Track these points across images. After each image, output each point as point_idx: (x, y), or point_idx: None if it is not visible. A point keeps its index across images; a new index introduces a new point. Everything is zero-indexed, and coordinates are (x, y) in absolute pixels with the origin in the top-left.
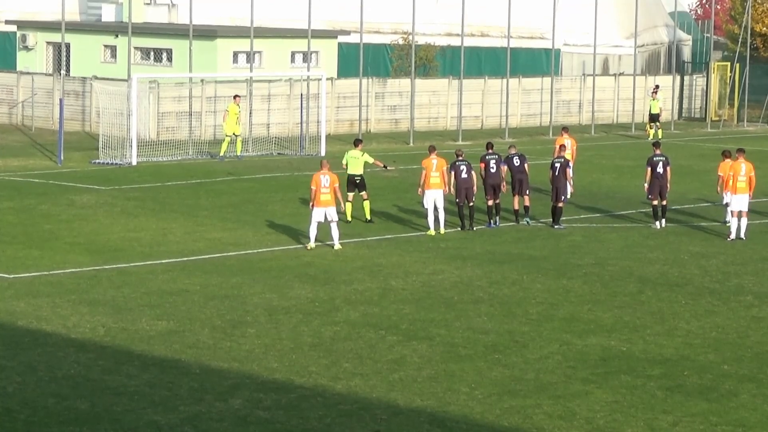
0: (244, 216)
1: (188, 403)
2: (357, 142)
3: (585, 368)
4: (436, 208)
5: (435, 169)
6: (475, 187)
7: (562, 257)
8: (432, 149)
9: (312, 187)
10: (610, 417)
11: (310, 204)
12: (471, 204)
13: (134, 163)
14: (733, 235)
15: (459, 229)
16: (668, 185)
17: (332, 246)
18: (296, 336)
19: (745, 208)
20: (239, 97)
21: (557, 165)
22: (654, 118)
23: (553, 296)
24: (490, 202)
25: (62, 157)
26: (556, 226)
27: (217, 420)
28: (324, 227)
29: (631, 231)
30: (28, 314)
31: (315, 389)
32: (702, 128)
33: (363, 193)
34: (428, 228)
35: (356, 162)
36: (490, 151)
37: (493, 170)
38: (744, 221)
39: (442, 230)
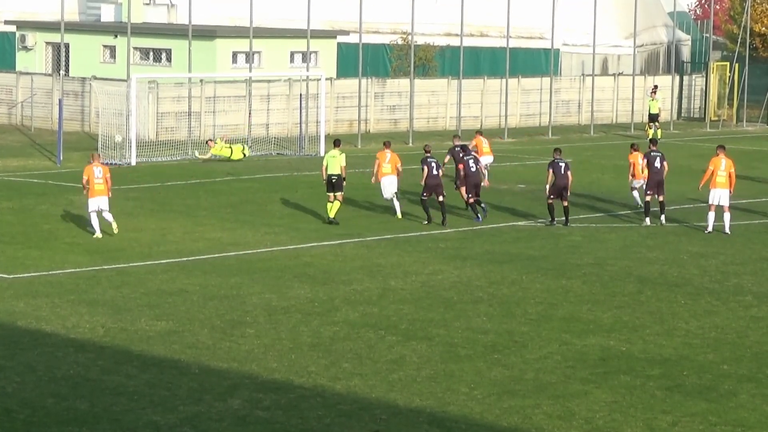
0: (243, 216)
1: (187, 403)
2: (336, 143)
3: (584, 368)
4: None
5: (388, 161)
6: (442, 185)
7: (562, 257)
8: (387, 144)
9: (84, 177)
10: (610, 417)
11: (84, 193)
12: (441, 200)
13: (133, 163)
14: (710, 228)
15: (425, 222)
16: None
17: (111, 233)
18: (295, 336)
19: (725, 203)
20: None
21: (561, 165)
22: (653, 118)
23: (552, 296)
24: (472, 200)
25: (61, 158)
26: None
27: (217, 420)
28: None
29: (630, 231)
30: (27, 314)
31: (314, 389)
32: (701, 128)
33: (338, 194)
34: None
35: (334, 161)
36: (466, 152)
37: (472, 169)
38: (727, 216)
39: (399, 215)
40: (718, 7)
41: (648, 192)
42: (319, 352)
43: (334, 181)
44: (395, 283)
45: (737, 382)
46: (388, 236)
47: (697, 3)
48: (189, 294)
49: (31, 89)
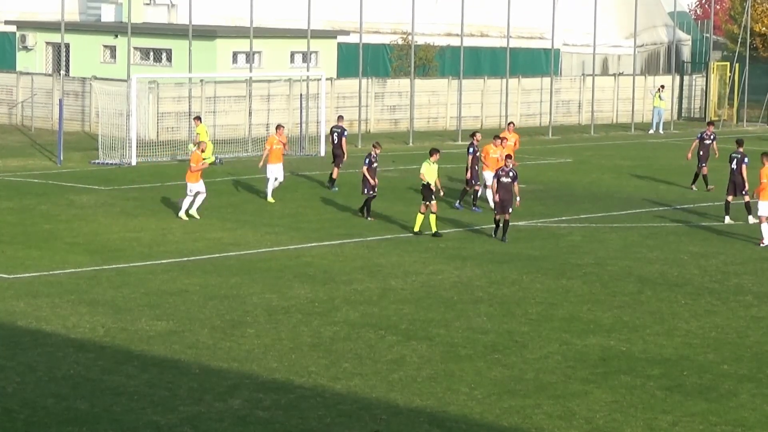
0: (243, 216)
1: (188, 403)
2: (432, 152)
3: (584, 368)
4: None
5: (276, 144)
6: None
7: (562, 257)
8: (279, 127)
9: None
10: (610, 417)
11: None
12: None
13: (134, 163)
14: (765, 241)
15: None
16: (744, 182)
17: None
18: (296, 336)
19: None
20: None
21: (503, 176)
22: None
23: (552, 296)
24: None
25: (62, 158)
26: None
27: (217, 420)
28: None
29: (630, 231)
30: (27, 314)
31: (314, 389)
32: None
33: (432, 203)
34: (268, 196)
35: (430, 170)
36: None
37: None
38: (764, 226)
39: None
40: (718, 7)
41: (728, 192)
42: (319, 352)
43: (426, 189)
44: (395, 283)
45: (737, 381)
46: (389, 236)
47: (698, 3)
48: (189, 294)
49: (31, 89)
